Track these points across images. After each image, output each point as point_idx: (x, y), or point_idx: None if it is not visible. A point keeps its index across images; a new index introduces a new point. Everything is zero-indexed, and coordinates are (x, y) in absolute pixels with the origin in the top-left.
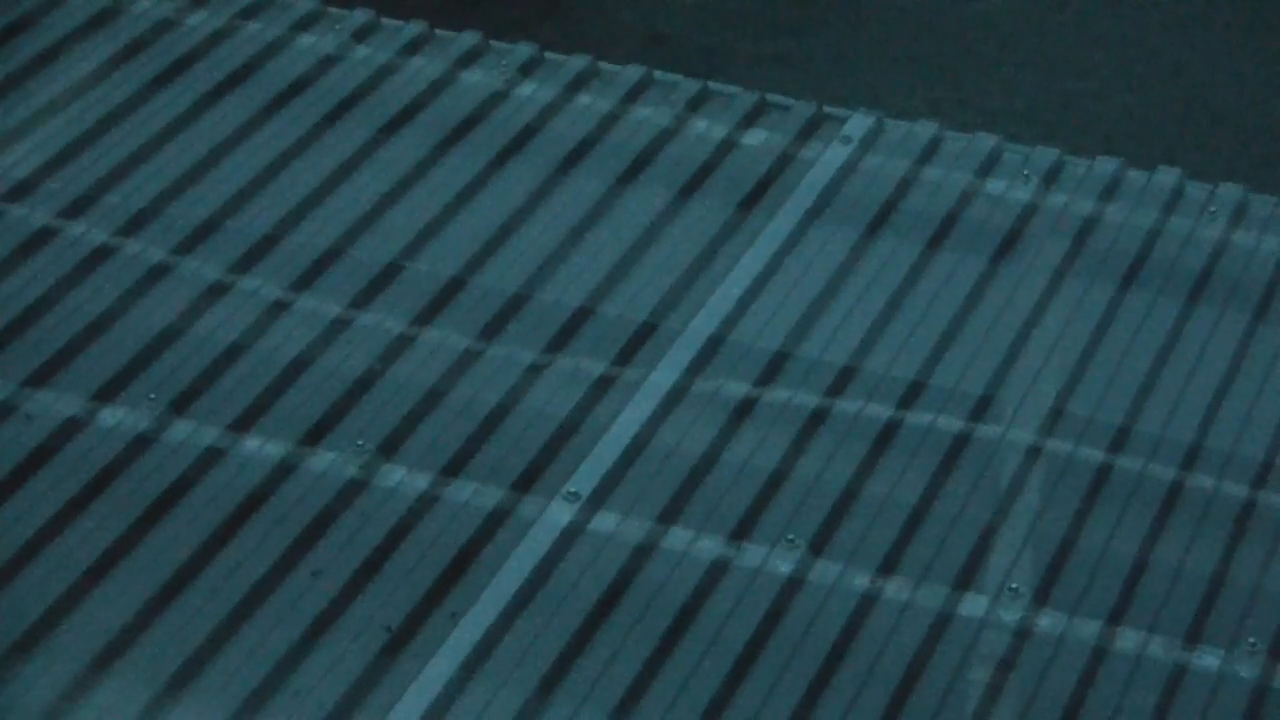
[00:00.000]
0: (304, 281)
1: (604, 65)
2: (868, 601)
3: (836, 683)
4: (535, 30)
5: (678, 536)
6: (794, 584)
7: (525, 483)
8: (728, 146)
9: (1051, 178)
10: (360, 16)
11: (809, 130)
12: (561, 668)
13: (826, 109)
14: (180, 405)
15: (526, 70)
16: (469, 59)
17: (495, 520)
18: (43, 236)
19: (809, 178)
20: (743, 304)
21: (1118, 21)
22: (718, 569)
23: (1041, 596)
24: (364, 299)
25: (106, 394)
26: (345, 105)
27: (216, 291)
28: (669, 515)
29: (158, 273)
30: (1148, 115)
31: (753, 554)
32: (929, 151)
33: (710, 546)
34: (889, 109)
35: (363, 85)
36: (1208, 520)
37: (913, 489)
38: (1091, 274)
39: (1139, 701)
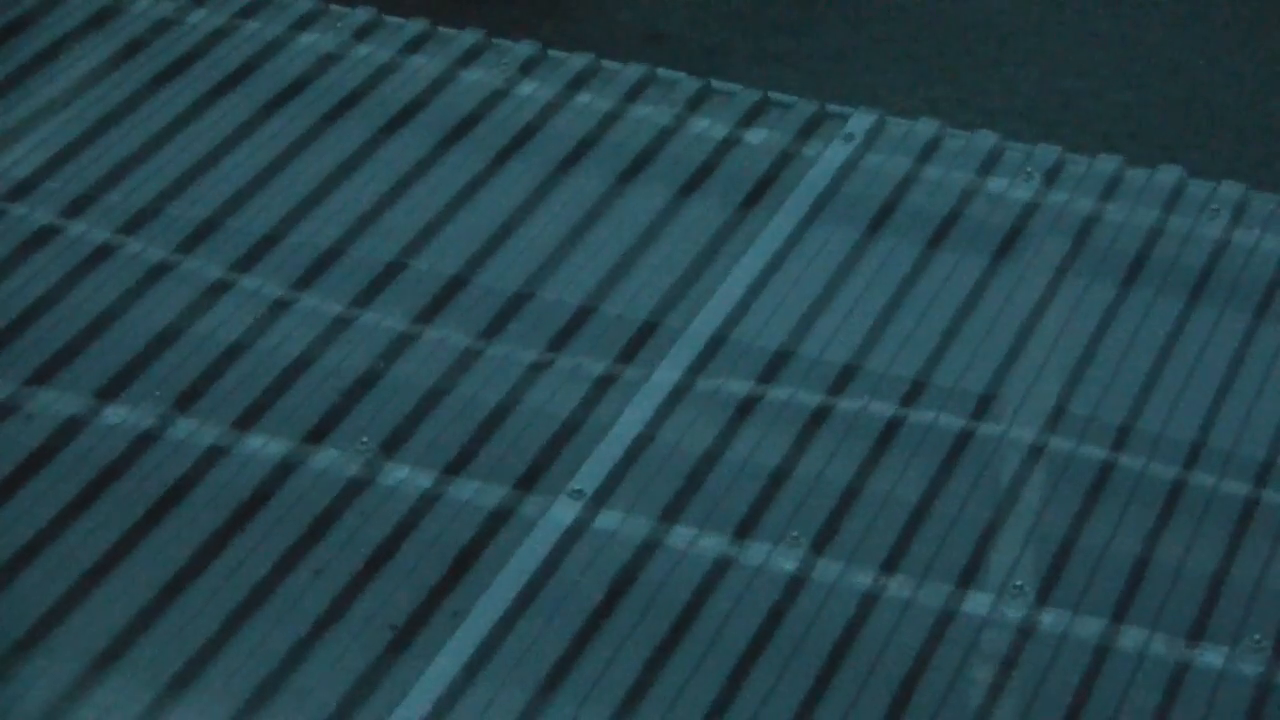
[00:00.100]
0: (305, 280)
1: (605, 64)
2: (870, 600)
3: (839, 681)
4: (535, 28)
5: (680, 535)
6: (796, 582)
7: (527, 481)
8: (729, 145)
9: (1052, 176)
10: (361, 15)
11: (810, 129)
12: (564, 666)
13: (828, 107)
14: (182, 404)
15: (527, 69)
16: (470, 57)
17: (498, 519)
18: (44, 235)
19: (810, 176)
20: (744, 302)
21: (1116, 20)
22: (720, 567)
23: (1044, 595)
24: (365, 298)
25: (108, 393)
26: (346, 104)
27: (218, 290)
28: (671, 514)
29: (159, 271)
30: (1146, 114)
31: (755, 552)
32: (930, 150)
33: (713, 545)
34: (888, 107)
35: (363, 84)
36: (1210, 518)
37: (915, 487)
38: (1092, 272)
39: (1142, 700)
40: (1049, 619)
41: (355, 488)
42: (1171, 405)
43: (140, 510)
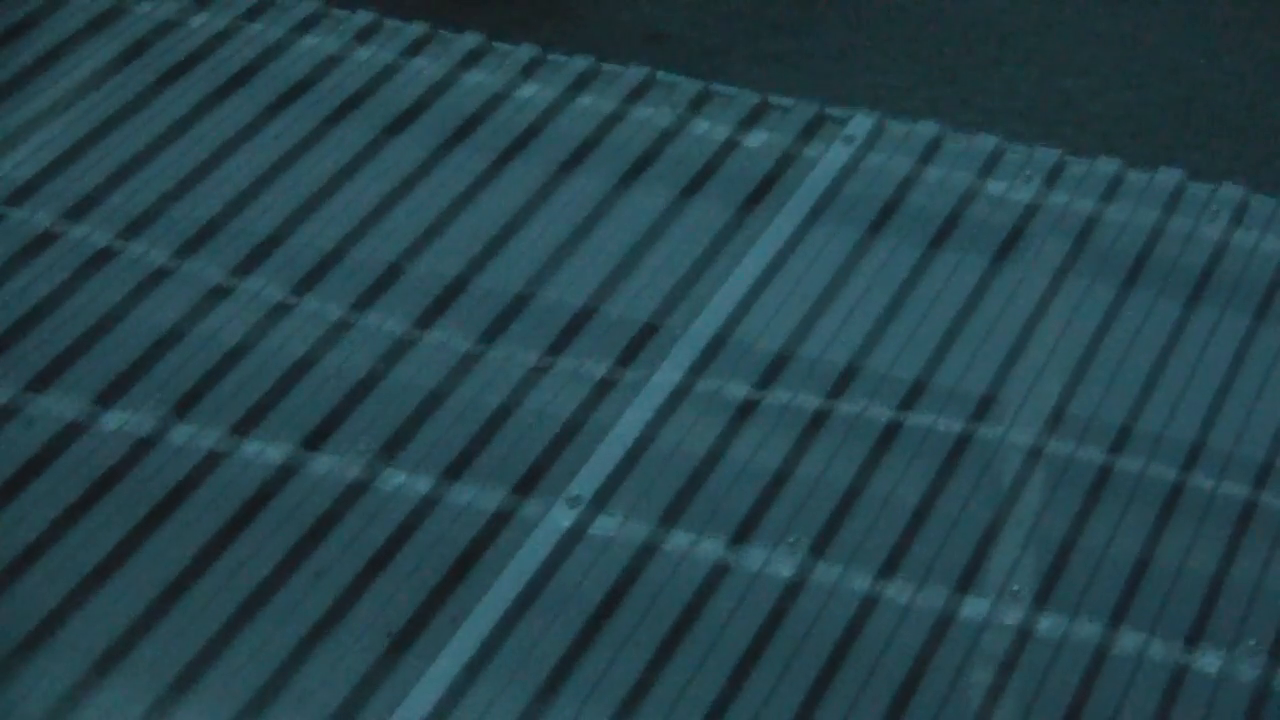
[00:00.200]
0: (306, 283)
1: (605, 66)
2: (869, 603)
3: (838, 684)
4: (536, 30)
5: (679, 539)
6: (795, 586)
7: (527, 485)
8: (729, 147)
9: (1053, 178)
10: (362, 18)
11: (810, 131)
12: (563, 670)
13: (828, 110)
14: (182, 408)
15: (528, 71)
16: (471, 60)
17: (497, 522)
18: (45, 239)
19: (811, 178)
20: (744, 305)
21: (1116, 20)
22: (719, 571)
23: (1042, 598)
24: (366, 300)
25: (109, 397)
26: (347, 106)
27: (219, 294)
28: (670, 517)
29: (160, 275)
30: (1146, 114)
31: (754, 556)
32: (930, 152)
33: (712, 548)
34: (889, 108)
35: (365, 86)
36: (1208, 521)
37: (914, 490)
38: (1092, 274)
39: (1140, 703)
40: (1048, 622)
41: (355, 491)
42: (1171, 407)
43: (142, 514)
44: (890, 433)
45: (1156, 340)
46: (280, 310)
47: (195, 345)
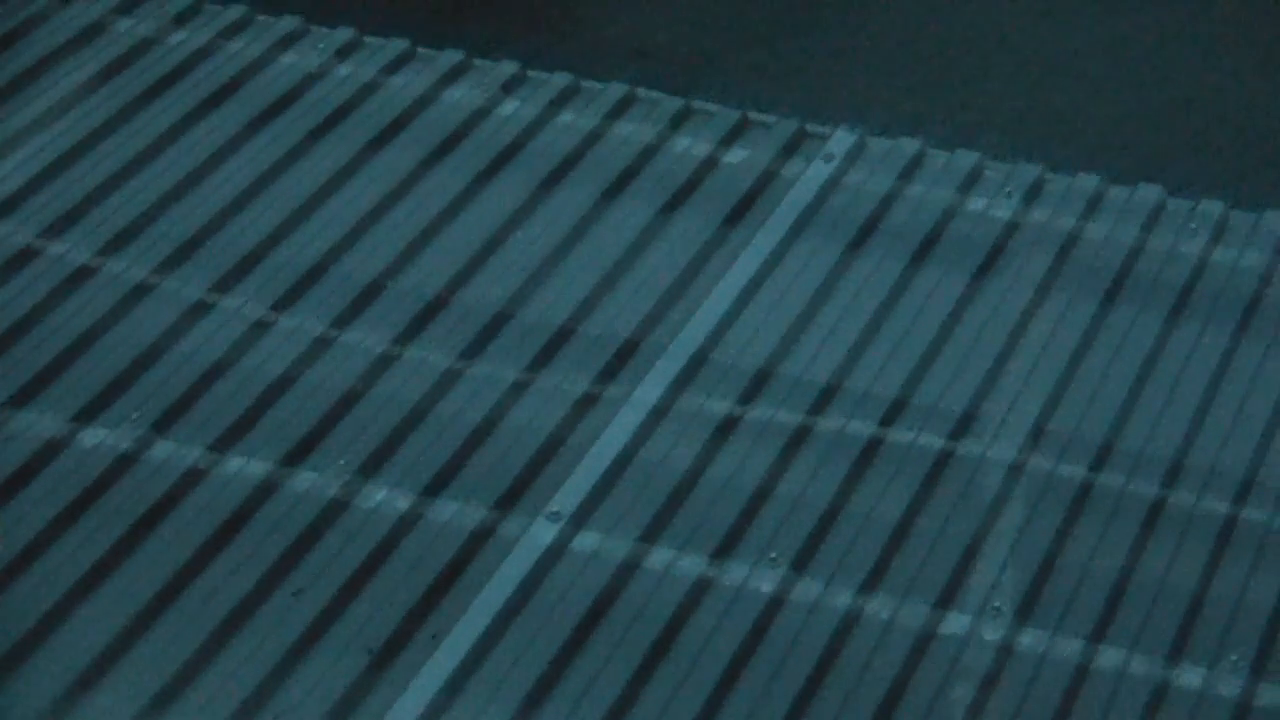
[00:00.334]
0: (287, 300)
1: (586, 83)
2: (850, 619)
3: (820, 700)
4: (520, 44)
5: (660, 555)
6: (777, 602)
7: (508, 501)
8: (710, 164)
9: (1033, 194)
10: (343, 34)
11: (792, 147)
12: (544, 687)
13: (809, 126)
14: (162, 425)
15: (509, 88)
16: (451, 77)
17: (478, 539)
18: (26, 255)
19: (791, 195)
20: (726, 321)
21: (1102, 32)
22: (700, 587)
23: (1024, 614)
24: (347, 317)
25: (88, 414)
26: (328, 123)
27: (199, 310)
28: (651, 534)
29: (140, 292)
30: (1132, 126)
31: (735, 572)
32: (911, 168)
33: (693, 565)
34: (873, 121)
35: (345, 103)
36: (1189, 537)
37: (895, 506)
38: (1073, 290)
39: (1121, 719)
40: (1029, 638)
41: (335, 509)
42: (1152, 423)
43: (120, 532)
44: (871, 449)
45: (1137, 357)
46: (261, 326)
47: (176, 362)
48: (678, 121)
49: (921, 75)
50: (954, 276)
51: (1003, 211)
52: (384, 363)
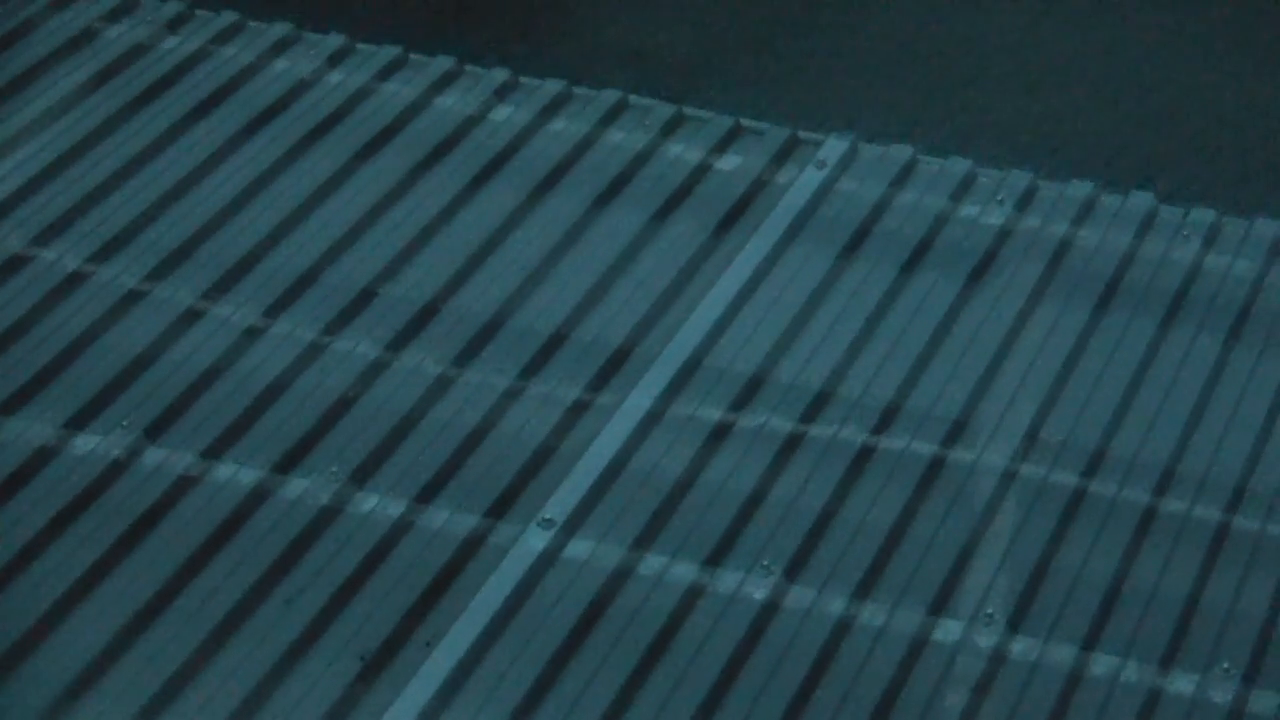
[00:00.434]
0: (279, 306)
1: (578, 89)
2: (843, 626)
3: (813, 708)
4: (512, 48)
5: (653, 562)
6: (770, 609)
7: (500, 508)
8: (703, 170)
9: (1026, 201)
10: (334, 41)
11: (784, 154)
12: (537, 694)
13: (801, 133)
14: (154, 432)
15: (501, 94)
16: (444, 83)
17: (471, 546)
18: (16, 262)
19: (784, 202)
20: (718, 328)
21: (1095, 39)
22: (693, 594)
23: (1016, 621)
24: (338, 324)
25: (79, 421)
26: (319, 130)
27: (190, 317)
28: (644, 541)
29: (132, 298)
30: (1124, 133)
31: (728, 579)
32: (904, 175)
33: (686, 572)
34: (866, 127)
35: (337, 110)
36: (1182, 544)
37: (888, 513)
38: (1066, 297)
39: None
40: (1022, 645)
41: (327, 515)
42: (1145, 430)
43: (112, 539)
44: (864, 456)
45: (1130, 363)
46: (253, 333)
47: (167, 368)
48: (670, 128)
49: (920, 77)
50: (946, 283)
51: (995, 218)
52: (376, 369)
